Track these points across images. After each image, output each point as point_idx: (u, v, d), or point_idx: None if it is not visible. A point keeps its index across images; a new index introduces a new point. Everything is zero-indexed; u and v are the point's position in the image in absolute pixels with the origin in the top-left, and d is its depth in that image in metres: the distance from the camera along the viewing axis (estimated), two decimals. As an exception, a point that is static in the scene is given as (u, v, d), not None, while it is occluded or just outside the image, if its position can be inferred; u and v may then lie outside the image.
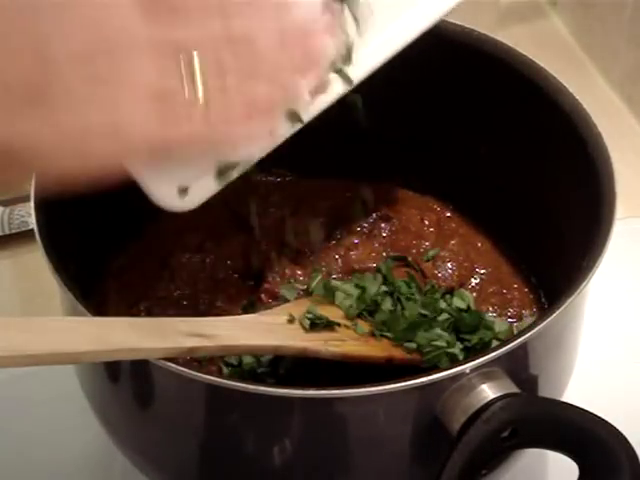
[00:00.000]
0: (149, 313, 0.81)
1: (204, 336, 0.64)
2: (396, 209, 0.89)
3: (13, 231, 0.95)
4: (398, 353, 0.74)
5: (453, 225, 0.89)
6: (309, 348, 0.70)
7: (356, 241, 0.87)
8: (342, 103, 0.89)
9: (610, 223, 0.69)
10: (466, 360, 0.64)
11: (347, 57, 0.66)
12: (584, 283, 0.66)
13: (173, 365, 0.62)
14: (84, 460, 0.82)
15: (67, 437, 0.83)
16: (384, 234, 0.88)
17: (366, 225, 0.88)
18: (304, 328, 0.72)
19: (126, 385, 0.69)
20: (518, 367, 0.66)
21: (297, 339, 0.70)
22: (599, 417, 0.63)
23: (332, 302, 0.77)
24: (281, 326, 0.71)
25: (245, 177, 0.91)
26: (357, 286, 0.79)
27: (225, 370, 0.77)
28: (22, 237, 0.95)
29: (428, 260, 0.85)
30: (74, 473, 0.82)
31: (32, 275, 0.94)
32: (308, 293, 0.81)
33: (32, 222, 0.69)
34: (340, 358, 0.71)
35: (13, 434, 0.84)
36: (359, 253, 0.86)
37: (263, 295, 0.83)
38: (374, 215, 0.88)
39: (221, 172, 0.66)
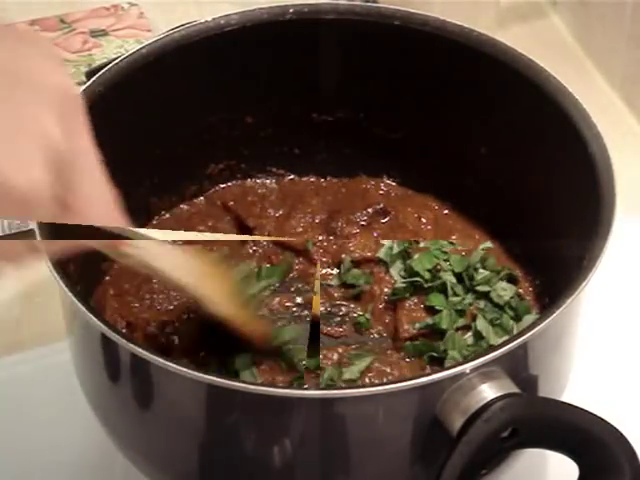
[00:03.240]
0: (151, 306, 0.81)
1: (134, 247, 0.67)
2: (394, 206, 0.89)
3: (13, 231, 0.95)
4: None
5: (450, 222, 0.89)
6: (208, 299, 0.73)
7: (355, 231, 0.87)
8: (343, 105, 0.90)
9: (610, 223, 0.69)
10: (466, 360, 0.64)
11: None
12: (584, 283, 0.66)
13: (173, 365, 0.63)
14: (84, 460, 0.82)
15: (67, 437, 0.83)
16: (383, 227, 0.88)
17: (365, 218, 0.88)
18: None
19: (126, 385, 0.69)
20: (518, 367, 0.66)
21: (202, 286, 0.73)
22: (599, 417, 0.63)
23: None
24: (193, 267, 0.73)
25: (244, 178, 0.92)
26: None
27: None
28: (22, 237, 0.95)
29: None
30: (74, 473, 0.82)
31: (32, 275, 0.94)
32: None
33: (32, 222, 0.69)
34: (220, 319, 0.74)
35: (13, 434, 0.84)
36: (356, 243, 0.86)
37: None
38: (371, 209, 0.89)
39: None
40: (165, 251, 0.71)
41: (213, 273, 0.75)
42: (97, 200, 0.59)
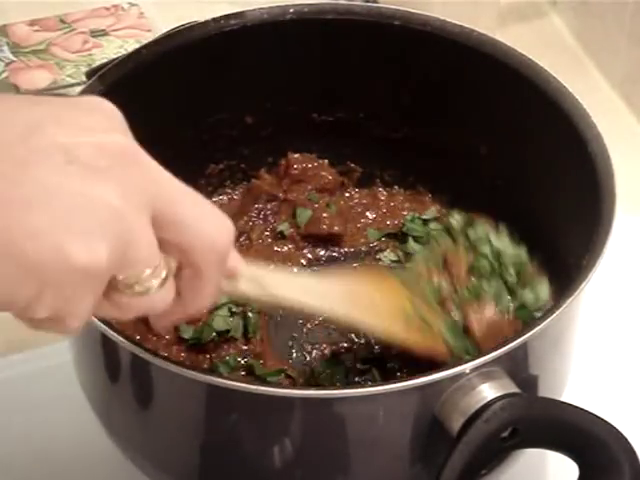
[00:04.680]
0: None
1: (261, 286, 0.64)
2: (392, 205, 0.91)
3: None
4: (438, 346, 0.72)
5: None
6: (355, 318, 0.69)
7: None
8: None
9: (610, 223, 0.69)
10: (466, 360, 0.64)
11: None
12: (584, 283, 0.66)
13: (173, 365, 0.63)
14: (84, 460, 0.82)
15: (67, 437, 0.83)
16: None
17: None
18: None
19: (126, 385, 0.69)
20: (518, 367, 0.66)
21: (349, 308, 0.69)
22: (599, 417, 0.63)
23: None
24: (335, 292, 0.69)
25: (244, 178, 0.92)
26: None
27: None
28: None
29: None
30: (75, 473, 0.82)
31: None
32: None
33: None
34: (386, 338, 0.71)
35: (13, 434, 0.84)
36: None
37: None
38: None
39: None
40: (299, 285, 0.67)
41: (371, 292, 0.71)
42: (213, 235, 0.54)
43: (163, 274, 0.54)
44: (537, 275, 0.77)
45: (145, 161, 0.53)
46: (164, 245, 0.53)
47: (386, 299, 0.72)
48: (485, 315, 0.74)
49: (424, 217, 0.89)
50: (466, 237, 0.81)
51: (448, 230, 0.82)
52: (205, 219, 0.54)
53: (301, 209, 0.88)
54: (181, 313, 0.57)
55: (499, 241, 0.80)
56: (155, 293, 0.54)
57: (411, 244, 0.87)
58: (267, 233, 0.88)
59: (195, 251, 0.54)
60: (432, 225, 0.88)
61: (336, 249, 0.88)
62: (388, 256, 0.87)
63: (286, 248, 0.87)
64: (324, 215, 0.88)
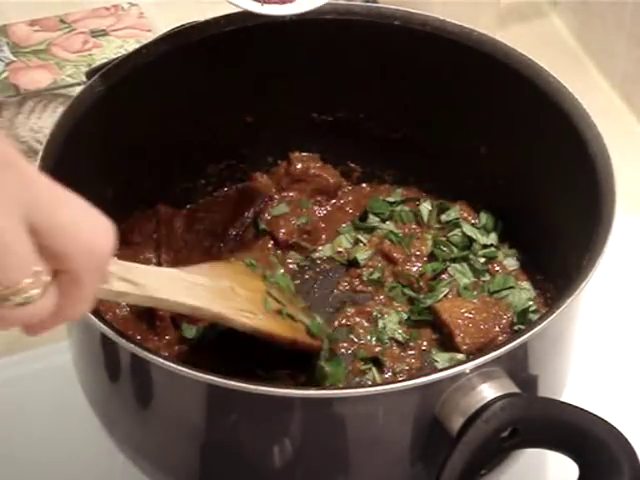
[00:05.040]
0: None
1: (132, 283, 0.63)
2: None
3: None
4: (301, 336, 0.76)
5: None
6: (224, 315, 0.70)
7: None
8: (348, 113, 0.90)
9: (610, 223, 0.69)
10: (466, 360, 0.64)
11: None
12: (584, 283, 0.66)
13: (173, 365, 0.63)
14: (84, 460, 0.82)
15: (67, 437, 0.83)
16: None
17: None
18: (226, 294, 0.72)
19: (126, 385, 0.69)
20: (518, 367, 0.66)
21: (215, 304, 0.70)
22: (599, 417, 0.63)
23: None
24: (201, 287, 0.70)
25: (244, 179, 0.92)
26: None
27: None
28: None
29: None
30: (75, 473, 0.82)
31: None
32: None
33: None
34: (250, 331, 0.72)
35: (13, 434, 0.84)
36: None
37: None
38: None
39: None
40: (167, 279, 0.67)
41: (232, 287, 0.73)
42: (85, 228, 0.52)
43: (44, 283, 0.52)
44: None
45: (21, 166, 0.51)
46: (42, 252, 0.51)
47: (249, 293, 0.74)
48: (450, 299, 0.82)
49: (389, 199, 0.89)
50: (438, 221, 0.87)
51: (415, 213, 0.88)
52: (83, 224, 0.52)
53: (281, 204, 0.89)
54: (57, 320, 0.54)
55: (470, 228, 0.86)
56: (36, 302, 0.52)
57: (371, 218, 0.88)
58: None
59: (72, 257, 0.52)
60: (398, 207, 0.89)
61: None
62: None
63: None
64: (292, 222, 0.88)
